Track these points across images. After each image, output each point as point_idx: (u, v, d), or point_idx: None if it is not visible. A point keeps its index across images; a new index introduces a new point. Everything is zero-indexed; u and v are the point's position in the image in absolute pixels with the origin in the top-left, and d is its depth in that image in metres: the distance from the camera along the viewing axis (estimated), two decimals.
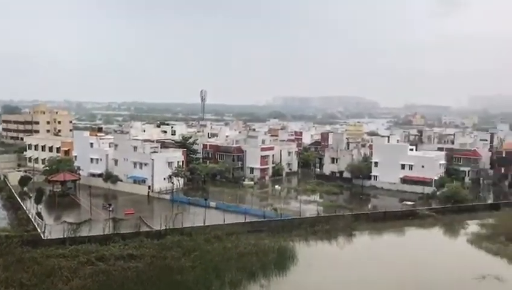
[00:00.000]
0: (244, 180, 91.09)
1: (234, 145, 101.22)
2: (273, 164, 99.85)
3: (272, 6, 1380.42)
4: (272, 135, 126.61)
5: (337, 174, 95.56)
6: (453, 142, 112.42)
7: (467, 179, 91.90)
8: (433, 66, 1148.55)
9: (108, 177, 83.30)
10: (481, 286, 40.86)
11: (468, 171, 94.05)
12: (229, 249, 46.95)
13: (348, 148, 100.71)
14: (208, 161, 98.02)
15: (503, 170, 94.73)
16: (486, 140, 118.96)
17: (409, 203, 72.65)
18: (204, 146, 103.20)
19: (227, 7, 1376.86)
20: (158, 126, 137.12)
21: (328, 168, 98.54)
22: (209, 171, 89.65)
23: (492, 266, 45.08)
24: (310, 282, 42.49)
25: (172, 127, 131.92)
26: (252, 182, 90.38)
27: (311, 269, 45.22)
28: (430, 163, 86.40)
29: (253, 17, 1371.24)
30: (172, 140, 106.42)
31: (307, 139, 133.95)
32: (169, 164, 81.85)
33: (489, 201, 79.15)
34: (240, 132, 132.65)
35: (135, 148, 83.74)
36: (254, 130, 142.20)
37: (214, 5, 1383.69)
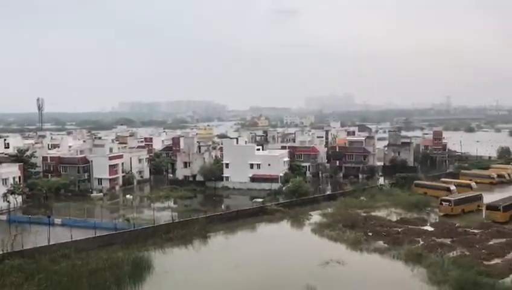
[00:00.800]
0: (92, 193, 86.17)
1: (79, 156, 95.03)
2: (123, 172, 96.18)
3: (118, 15, 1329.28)
4: (120, 143, 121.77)
5: (191, 178, 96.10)
6: (294, 141, 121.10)
7: (308, 174, 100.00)
8: (274, 70, 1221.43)
9: None
10: (326, 270, 44.71)
11: (309, 166, 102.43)
12: (79, 267, 43.97)
13: (200, 152, 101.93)
14: (49, 175, 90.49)
15: (337, 163, 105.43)
16: (322, 137, 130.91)
17: (259, 200, 76.26)
18: (45, 158, 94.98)
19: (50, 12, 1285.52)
20: None
21: (181, 172, 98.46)
22: (51, 185, 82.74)
23: (334, 252, 49.59)
24: (166, 289, 42.07)
25: (5, 140, 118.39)
26: (101, 194, 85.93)
27: (168, 276, 44.75)
28: (276, 161, 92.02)
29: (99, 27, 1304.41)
30: (6, 154, 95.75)
31: (157, 145, 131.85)
32: (4, 181, 73.79)
33: (328, 192, 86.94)
34: (84, 141, 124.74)
35: None
36: (100, 138, 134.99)
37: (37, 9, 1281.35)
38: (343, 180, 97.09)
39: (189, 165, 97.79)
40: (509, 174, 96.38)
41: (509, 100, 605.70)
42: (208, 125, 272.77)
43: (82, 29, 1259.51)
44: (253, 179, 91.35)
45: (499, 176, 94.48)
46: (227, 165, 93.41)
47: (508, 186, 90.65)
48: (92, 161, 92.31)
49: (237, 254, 51.63)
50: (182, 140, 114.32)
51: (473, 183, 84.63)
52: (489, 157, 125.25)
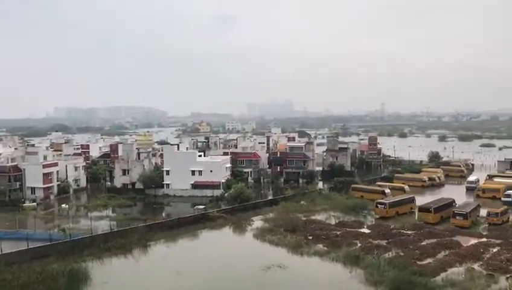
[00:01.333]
0: (24, 203, 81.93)
1: (10, 164, 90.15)
2: (58, 181, 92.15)
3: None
4: (55, 150, 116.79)
5: (130, 186, 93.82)
6: (236, 147, 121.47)
7: (250, 179, 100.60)
8: (216, 77, 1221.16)
9: None
10: (267, 275, 45.08)
11: (251, 172, 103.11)
12: (10, 282, 41.57)
13: (139, 159, 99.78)
14: None
15: (278, 169, 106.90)
16: (263, 143, 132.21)
17: (201, 207, 75.71)
18: None
19: None
20: None
21: (119, 180, 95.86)
22: None
23: (275, 256, 50.14)
24: None
25: None
26: (34, 204, 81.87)
27: (107, 287, 43.41)
28: (217, 167, 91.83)
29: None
30: None
31: (95, 152, 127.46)
32: None
33: (270, 197, 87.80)
34: (16, 149, 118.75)
35: None
36: (33, 145, 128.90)
37: None
38: (284, 185, 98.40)
39: (128, 173, 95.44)
40: (439, 177, 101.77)
41: (438, 107, 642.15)
42: (148, 132, 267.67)
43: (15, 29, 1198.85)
44: (195, 185, 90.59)
45: (430, 179, 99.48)
46: (167, 172, 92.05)
47: (438, 188, 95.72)
48: (24, 169, 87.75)
49: (179, 262, 50.97)
50: (120, 147, 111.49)
51: (406, 187, 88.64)
52: (421, 161, 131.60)
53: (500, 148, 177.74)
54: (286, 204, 76.51)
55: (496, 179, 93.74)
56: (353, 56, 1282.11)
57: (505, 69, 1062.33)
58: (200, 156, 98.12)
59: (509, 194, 77.14)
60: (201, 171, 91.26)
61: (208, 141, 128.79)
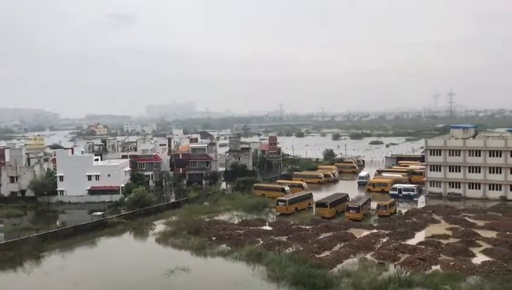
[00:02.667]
0: None
1: None
2: None
3: None
4: None
5: (19, 194, 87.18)
6: (136, 149, 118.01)
7: (151, 183, 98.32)
8: (111, 77, 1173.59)
9: None
10: (170, 279, 44.33)
11: (152, 175, 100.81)
12: None
13: (29, 165, 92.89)
14: None
15: (181, 171, 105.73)
16: (165, 145, 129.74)
17: (98, 213, 72.48)
18: None
19: None
20: None
21: (7, 188, 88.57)
22: None
23: (179, 260, 49.48)
24: None
25: None
26: None
27: None
28: (116, 171, 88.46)
29: None
30: None
31: None
32: None
33: (172, 200, 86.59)
34: None
35: None
36: None
37: None
38: (187, 187, 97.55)
39: (16, 180, 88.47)
40: (333, 174, 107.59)
41: (332, 108, 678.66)
42: (39, 135, 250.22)
43: None
44: (92, 191, 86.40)
45: (325, 175, 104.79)
46: (61, 177, 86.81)
47: (333, 184, 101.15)
48: None
49: (76, 272, 48.27)
50: (7, 152, 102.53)
51: (304, 184, 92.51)
52: (317, 159, 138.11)
53: (387, 145, 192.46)
54: (189, 206, 76.07)
55: (384, 174, 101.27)
56: (254, 58, 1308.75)
57: (391, 72, 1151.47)
58: (96, 160, 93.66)
59: (396, 188, 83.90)
60: (98, 175, 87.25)
61: (105, 144, 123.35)
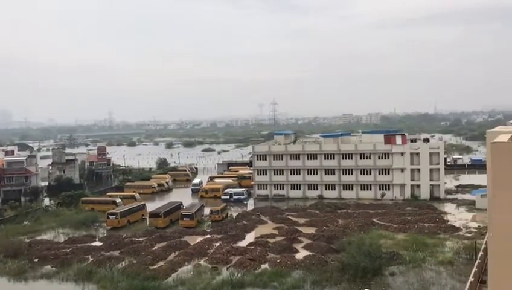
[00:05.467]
0: None
1: None
2: None
3: None
4: None
5: None
6: None
7: None
8: None
9: None
10: None
11: None
12: None
13: None
14: None
15: None
16: None
17: None
18: None
19: None
20: None
21: None
22: None
23: None
24: None
25: None
26: None
27: None
28: None
29: None
30: None
31: None
32: None
33: None
34: None
35: None
36: None
37: None
38: (3, 206, 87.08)
39: None
40: (167, 183, 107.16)
41: (164, 116, 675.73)
42: None
43: None
44: None
45: (159, 185, 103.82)
46: None
47: (167, 193, 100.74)
48: None
49: None
50: None
51: (137, 195, 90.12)
52: (150, 168, 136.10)
53: (219, 152, 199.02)
54: (6, 227, 68.23)
55: (217, 180, 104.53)
56: (78, 64, 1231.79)
57: (219, 81, 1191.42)
58: None
59: (227, 193, 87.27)
60: None
61: None
